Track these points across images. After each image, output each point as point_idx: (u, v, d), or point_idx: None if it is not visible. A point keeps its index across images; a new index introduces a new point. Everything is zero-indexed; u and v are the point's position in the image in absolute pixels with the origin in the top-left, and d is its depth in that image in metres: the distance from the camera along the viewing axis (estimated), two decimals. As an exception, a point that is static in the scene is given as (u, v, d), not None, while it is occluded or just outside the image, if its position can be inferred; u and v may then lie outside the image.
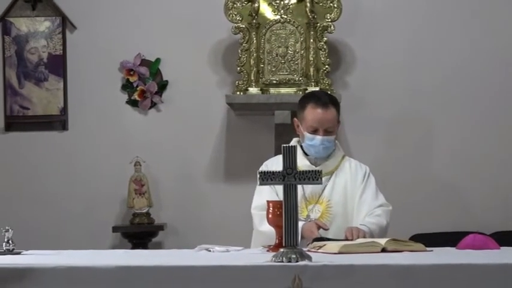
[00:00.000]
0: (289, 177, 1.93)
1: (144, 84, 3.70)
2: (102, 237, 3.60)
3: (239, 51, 3.50)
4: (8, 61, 3.68)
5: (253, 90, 3.47)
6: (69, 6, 3.67)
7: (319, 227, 2.49)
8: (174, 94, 3.71)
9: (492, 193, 3.63)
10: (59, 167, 3.68)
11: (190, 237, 3.52)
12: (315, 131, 2.58)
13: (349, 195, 2.64)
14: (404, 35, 3.67)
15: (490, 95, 3.66)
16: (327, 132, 2.59)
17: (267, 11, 3.51)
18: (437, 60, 3.67)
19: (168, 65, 3.70)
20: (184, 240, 3.52)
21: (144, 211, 3.58)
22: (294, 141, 2.68)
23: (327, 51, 3.48)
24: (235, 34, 3.51)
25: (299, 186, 1.97)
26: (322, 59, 3.48)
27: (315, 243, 2.31)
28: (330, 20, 3.47)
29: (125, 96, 3.73)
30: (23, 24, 3.68)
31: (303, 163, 2.56)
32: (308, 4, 3.45)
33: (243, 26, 3.48)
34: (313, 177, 1.95)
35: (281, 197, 1.99)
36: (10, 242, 2.23)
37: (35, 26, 3.68)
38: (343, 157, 2.70)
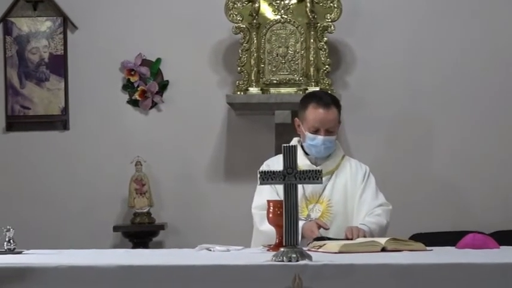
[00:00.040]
0: (290, 176, 1.93)
1: (145, 84, 3.71)
2: (103, 237, 3.60)
3: (239, 51, 3.50)
4: (9, 61, 3.68)
5: (253, 90, 3.47)
6: (70, 7, 3.67)
7: (319, 227, 2.49)
8: (175, 94, 3.71)
9: (492, 193, 3.64)
10: (60, 167, 3.69)
11: (190, 237, 3.53)
12: (316, 131, 2.59)
13: (350, 195, 2.64)
14: (404, 35, 3.67)
15: (490, 95, 3.67)
16: (328, 132, 2.60)
17: (267, 11, 3.51)
18: (437, 60, 3.67)
19: (169, 65, 3.71)
20: (185, 239, 3.52)
21: (145, 211, 3.59)
22: (294, 141, 2.68)
23: (327, 51, 3.49)
24: (235, 34, 3.52)
25: (299, 186, 1.98)
26: (323, 59, 3.49)
27: (315, 242, 2.31)
28: (330, 20, 3.47)
29: (126, 96, 3.74)
30: (24, 25, 3.68)
31: (303, 163, 2.57)
32: (308, 4, 3.45)
33: (244, 26, 3.48)
34: (313, 176, 1.95)
35: (281, 197, 1.99)
36: (11, 241, 2.24)
37: (36, 26, 3.69)
38: (343, 157, 2.71)
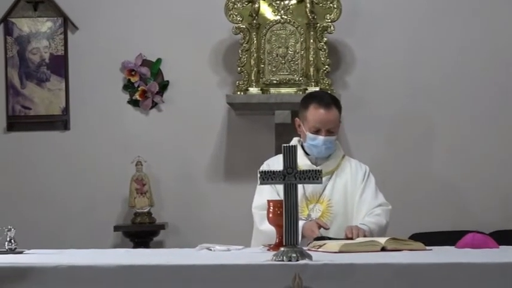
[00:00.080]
0: (290, 176, 1.94)
1: (145, 84, 3.71)
2: (104, 237, 3.61)
3: (239, 51, 3.51)
4: (10, 61, 3.69)
5: (253, 90, 3.48)
6: (71, 7, 3.68)
7: (320, 226, 2.49)
8: (175, 94, 3.72)
9: (491, 192, 3.64)
10: (60, 167, 3.69)
11: (191, 236, 3.54)
12: (317, 131, 2.59)
13: (350, 195, 2.65)
14: (403, 35, 3.68)
15: (490, 94, 3.67)
16: (329, 133, 2.60)
17: (267, 11, 3.52)
18: (437, 60, 3.68)
19: (169, 65, 3.71)
20: (186, 239, 3.53)
21: (146, 210, 3.60)
22: (294, 141, 2.69)
23: (326, 51, 3.49)
24: (235, 34, 3.53)
25: (300, 186, 1.98)
26: (322, 59, 3.49)
27: (315, 242, 2.31)
28: (329, 20, 3.48)
29: (126, 96, 3.74)
30: (24, 25, 3.69)
31: (303, 163, 2.58)
32: (308, 5, 3.46)
33: (244, 26, 3.49)
34: (313, 176, 1.96)
35: (282, 197, 2.00)
36: (12, 241, 2.25)
37: (36, 27, 3.70)
38: (343, 157, 2.72)
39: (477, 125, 3.66)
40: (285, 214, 1.93)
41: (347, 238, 2.43)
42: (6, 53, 3.69)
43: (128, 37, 3.69)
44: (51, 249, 2.35)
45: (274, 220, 2.29)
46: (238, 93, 3.49)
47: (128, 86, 3.73)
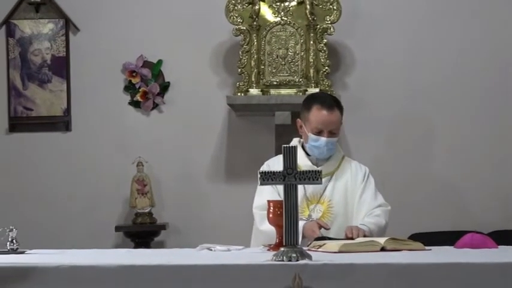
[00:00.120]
0: (290, 177, 1.95)
1: (146, 85, 3.73)
2: (105, 237, 3.62)
3: (240, 52, 3.52)
4: (12, 63, 3.70)
5: (253, 91, 3.49)
6: (73, 9, 3.69)
7: (320, 227, 2.50)
8: (176, 95, 3.73)
9: (491, 193, 3.65)
10: (62, 168, 3.70)
11: (191, 237, 3.54)
12: (319, 133, 2.60)
13: (350, 196, 2.66)
14: (403, 36, 3.68)
15: (490, 95, 3.67)
16: (331, 134, 2.61)
17: (267, 13, 3.53)
18: (437, 61, 3.68)
19: (170, 66, 3.73)
20: (186, 239, 3.54)
21: (147, 211, 3.61)
22: (294, 141, 2.69)
23: (326, 52, 3.50)
24: (236, 36, 3.54)
25: (300, 186, 1.99)
26: (322, 60, 3.50)
27: (314, 242, 2.32)
28: (329, 22, 3.49)
29: (128, 98, 3.76)
30: (26, 27, 3.70)
31: (304, 163, 2.59)
32: (308, 6, 3.47)
33: (244, 28, 3.50)
34: (313, 177, 1.96)
35: (282, 197, 2.01)
36: (14, 241, 2.26)
37: (38, 28, 3.71)
38: (343, 158, 2.73)
39: (477, 125, 3.67)
40: (285, 214, 1.94)
41: (347, 238, 2.44)
42: (8, 55, 3.70)
43: (129, 38, 3.70)
44: (53, 249, 2.36)
45: (274, 220, 2.30)
46: (239, 94, 3.50)
47: (129, 87, 3.74)
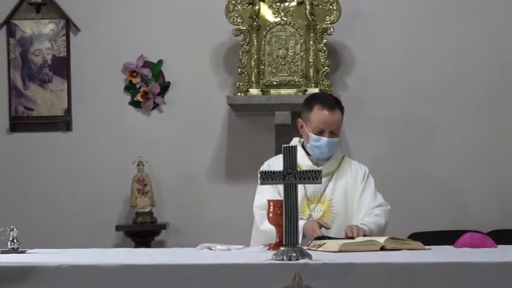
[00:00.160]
0: (290, 176, 1.95)
1: (147, 85, 3.73)
2: (106, 236, 3.63)
3: (240, 52, 3.52)
4: (13, 63, 3.71)
5: (253, 91, 3.50)
6: (73, 9, 3.70)
7: (321, 226, 2.51)
8: (176, 95, 3.74)
9: (490, 193, 3.65)
10: (63, 167, 3.71)
11: (192, 236, 3.55)
12: (320, 133, 2.61)
13: (350, 195, 2.66)
14: (403, 36, 3.69)
15: (490, 95, 3.68)
16: (332, 134, 2.62)
17: (267, 13, 3.53)
18: (437, 61, 3.68)
19: (170, 66, 3.73)
20: (186, 238, 3.54)
21: (147, 210, 3.61)
22: (295, 141, 2.70)
23: (326, 52, 3.51)
24: (236, 36, 3.54)
25: (301, 186, 2.00)
26: (322, 60, 3.51)
27: (314, 241, 2.33)
28: (329, 22, 3.49)
29: (128, 98, 3.76)
30: (27, 27, 3.71)
31: (305, 163, 2.59)
32: (308, 6, 3.47)
33: (244, 28, 3.51)
34: (313, 176, 1.97)
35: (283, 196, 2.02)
36: (15, 240, 2.26)
37: (39, 29, 3.72)
38: (342, 157, 2.73)
39: (477, 125, 3.67)
40: (285, 214, 1.95)
41: (347, 237, 2.45)
42: (9, 55, 3.70)
43: (130, 39, 3.71)
44: (53, 248, 2.37)
45: (274, 220, 2.31)
46: (239, 94, 3.51)
47: (130, 87, 3.75)
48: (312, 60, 3.49)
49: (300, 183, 1.97)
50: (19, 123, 3.72)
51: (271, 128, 3.52)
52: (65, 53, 3.71)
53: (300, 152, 2.59)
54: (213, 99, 3.68)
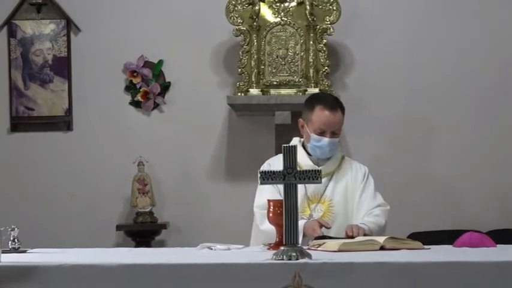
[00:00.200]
0: (290, 176, 1.96)
1: (147, 85, 3.74)
2: (106, 236, 3.63)
3: (240, 53, 3.53)
4: (14, 63, 3.72)
5: (253, 91, 3.50)
6: (74, 9, 3.70)
7: (321, 225, 2.51)
8: (177, 95, 3.74)
9: (490, 193, 3.65)
10: (63, 167, 3.72)
11: (192, 236, 3.56)
12: (322, 133, 2.61)
13: (350, 195, 2.67)
14: (403, 36, 3.69)
15: (490, 95, 3.68)
16: (333, 135, 2.62)
17: (267, 13, 3.54)
18: (437, 61, 3.69)
19: (171, 66, 3.74)
20: (187, 238, 3.55)
21: (147, 210, 3.62)
22: (294, 141, 2.70)
23: (326, 53, 3.51)
24: (236, 36, 3.55)
25: (301, 186, 2.01)
26: (322, 60, 3.51)
27: (314, 241, 2.33)
28: (329, 22, 3.50)
29: (128, 98, 3.77)
30: (28, 27, 3.72)
31: (306, 163, 2.60)
32: (308, 7, 3.48)
33: (244, 28, 3.51)
34: (312, 176, 1.97)
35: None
36: (16, 240, 2.27)
37: (40, 29, 3.72)
38: (342, 157, 2.74)
39: (477, 125, 3.67)
40: (285, 213, 1.95)
41: (347, 236, 2.45)
42: (9, 55, 3.71)
43: (130, 39, 3.71)
44: (54, 248, 2.37)
45: (274, 219, 2.31)
46: (239, 94, 3.52)
47: (130, 87, 3.75)
48: (311, 60, 3.49)
49: (300, 183, 1.97)
50: (20, 123, 3.73)
51: (271, 128, 3.52)
52: (66, 53, 3.72)
53: (301, 151, 2.59)
54: (213, 99, 3.69)
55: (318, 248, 2.22)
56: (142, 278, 1.90)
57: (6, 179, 3.70)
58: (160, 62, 3.74)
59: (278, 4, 3.52)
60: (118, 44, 3.71)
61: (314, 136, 2.62)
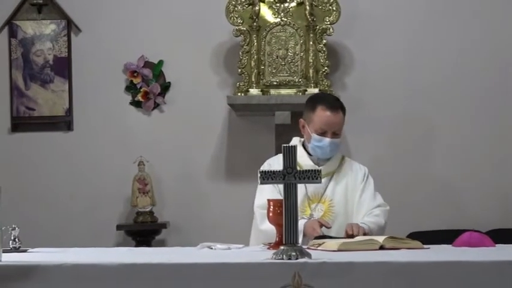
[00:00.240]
0: (289, 176, 1.96)
1: (148, 85, 3.75)
2: (107, 235, 3.64)
3: (240, 53, 3.53)
4: (15, 63, 3.72)
5: (253, 91, 3.51)
6: (74, 10, 3.71)
7: (321, 225, 2.52)
8: (177, 95, 3.75)
9: (490, 193, 3.65)
10: (64, 167, 3.72)
11: (192, 235, 3.56)
12: (323, 133, 2.61)
13: (350, 195, 2.67)
14: (403, 36, 3.69)
15: (490, 95, 3.68)
16: (334, 135, 2.62)
17: (267, 14, 3.55)
18: (437, 61, 3.69)
19: (171, 66, 3.74)
20: (187, 238, 3.55)
21: (148, 210, 3.63)
22: (295, 141, 2.70)
23: (326, 53, 3.52)
24: (236, 36, 3.56)
25: (302, 186, 2.01)
26: (322, 60, 3.52)
27: (314, 240, 2.34)
28: (328, 22, 3.51)
29: (129, 98, 3.78)
30: (29, 27, 3.72)
31: (306, 163, 2.60)
32: (307, 7, 3.49)
33: (244, 28, 3.52)
34: (312, 176, 1.98)
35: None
36: (16, 240, 2.27)
37: (40, 29, 3.73)
38: (342, 158, 2.75)
39: (477, 125, 3.68)
40: (284, 213, 1.95)
41: (347, 235, 2.46)
42: (10, 55, 3.72)
43: (130, 39, 3.72)
44: (55, 247, 2.37)
45: (274, 219, 2.31)
46: (239, 94, 3.52)
47: (130, 88, 3.76)
48: (311, 61, 3.50)
49: (300, 183, 1.97)
50: (20, 123, 3.73)
51: (271, 128, 3.53)
52: (66, 54, 3.73)
53: (301, 151, 2.60)
54: (213, 99, 3.69)
55: (318, 248, 2.22)
56: (143, 277, 1.90)
57: (6, 179, 3.69)
58: (161, 62, 3.75)
59: (278, 4, 3.53)
60: (118, 44, 3.72)
61: (315, 136, 2.62)
